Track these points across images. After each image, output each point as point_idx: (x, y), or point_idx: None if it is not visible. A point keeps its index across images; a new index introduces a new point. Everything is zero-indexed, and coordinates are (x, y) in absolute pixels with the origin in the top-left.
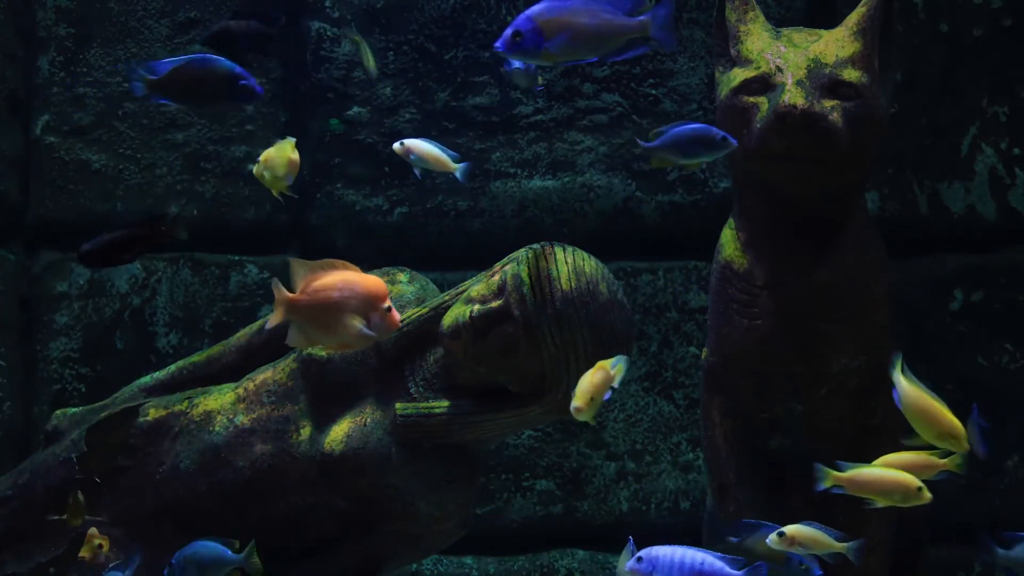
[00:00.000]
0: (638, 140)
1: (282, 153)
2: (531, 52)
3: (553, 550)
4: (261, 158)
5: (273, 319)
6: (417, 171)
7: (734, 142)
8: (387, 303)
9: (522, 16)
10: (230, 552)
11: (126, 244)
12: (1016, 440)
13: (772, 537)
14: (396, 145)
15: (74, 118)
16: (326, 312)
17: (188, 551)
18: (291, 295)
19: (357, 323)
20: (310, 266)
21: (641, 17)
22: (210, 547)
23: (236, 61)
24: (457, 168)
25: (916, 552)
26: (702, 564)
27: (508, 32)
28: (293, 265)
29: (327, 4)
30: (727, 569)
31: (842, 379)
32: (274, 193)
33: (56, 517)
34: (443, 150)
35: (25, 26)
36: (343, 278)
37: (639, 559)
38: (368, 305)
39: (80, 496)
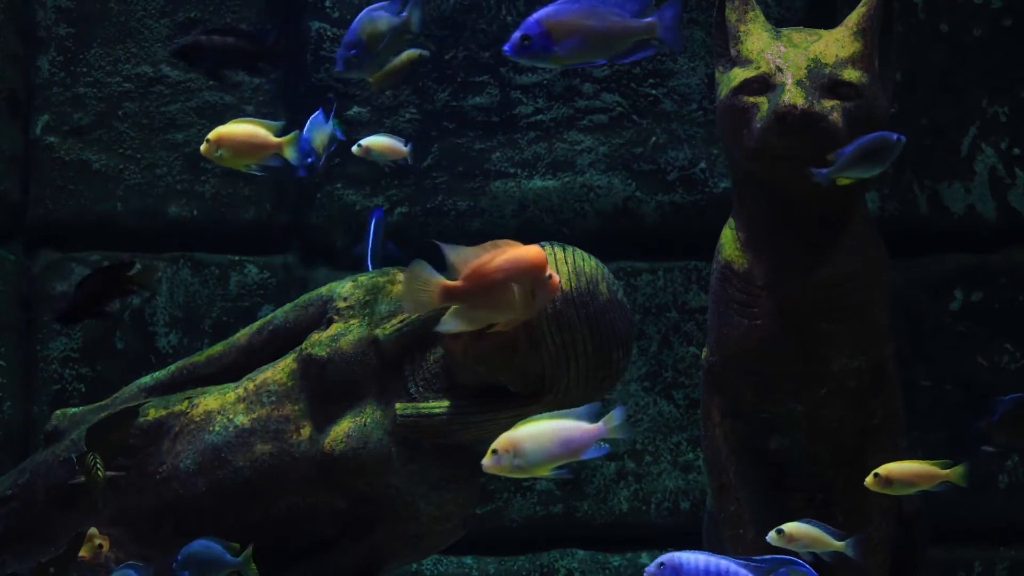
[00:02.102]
0: (814, 171)
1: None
2: (540, 55)
3: (553, 550)
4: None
5: (419, 309)
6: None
7: (903, 138)
8: (548, 271)
9: (530, 19)
10: (229, 555)
11: (96, 295)
12: None
13: (771, 535)
14: (354, 148)
15: (74, 118)
16: (493, 293)
17: (192, 548)
18: (450, 283)
19: (524, 297)
20: (471, 252)
21: (648, 19)
22: (212, 547)
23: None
24: (407, 151)
25: (916, 552)
26: (727, 572)
27: (516, 35)
28: (450, 253)
29: (327, 4)
30: None
31: (842, 379)
32: (240, 168)
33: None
34: (393, 138)
35: (25, 26)
36: (507, 257)
37: (660, 565)
38: (533, 278)
39: (96, 459)
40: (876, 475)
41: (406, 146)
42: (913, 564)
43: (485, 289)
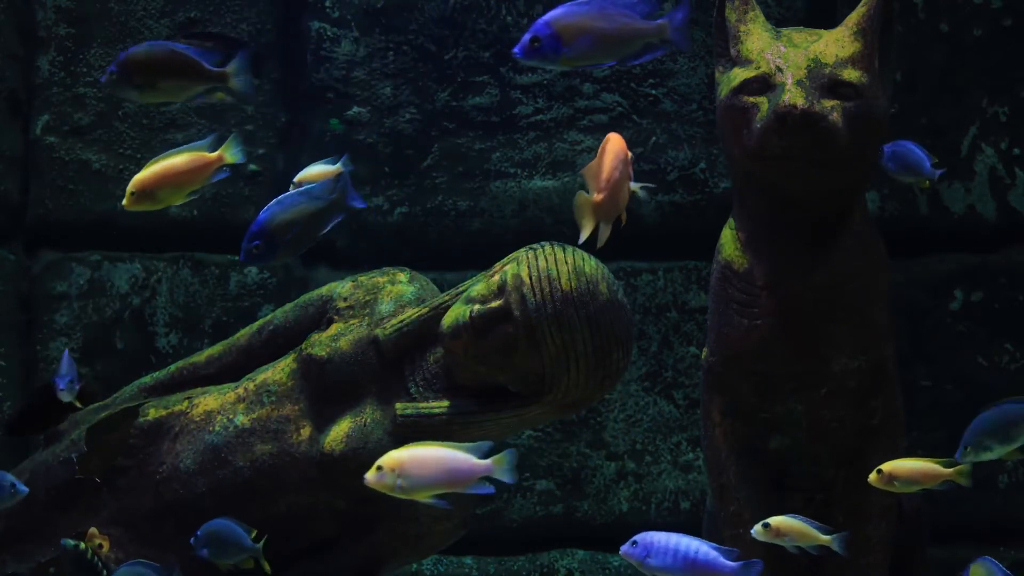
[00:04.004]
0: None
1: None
2: (549, 57)
3: (553, 550)
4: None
5: (587, 228)
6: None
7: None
8: (628, 151)
9: (540, 21)
10: (249, 540)
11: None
12: None
13: (757, 528)
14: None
15: (74, 118)
16: (619, 191)
17: (214, 526)
18: (594, 198)
19: (630, 183)
20: (593, 165)
21: (659, 20)
22: (233, 528)
23: None
24: (340, 163)
25: (916, 551)
26: (696, 553)
27: (526, 38)
28: (583, 174)
29: (327, 4)
30: (721, 560)
31: (842, 379)
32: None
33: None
34: (324, 163)
35: (25, 26)
36: (610, 155)
37: (634, 543)
38: (629, 161)
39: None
40: (879, 472)
41: (337, 162)
42: (913, 563)
43: (612, 192)
